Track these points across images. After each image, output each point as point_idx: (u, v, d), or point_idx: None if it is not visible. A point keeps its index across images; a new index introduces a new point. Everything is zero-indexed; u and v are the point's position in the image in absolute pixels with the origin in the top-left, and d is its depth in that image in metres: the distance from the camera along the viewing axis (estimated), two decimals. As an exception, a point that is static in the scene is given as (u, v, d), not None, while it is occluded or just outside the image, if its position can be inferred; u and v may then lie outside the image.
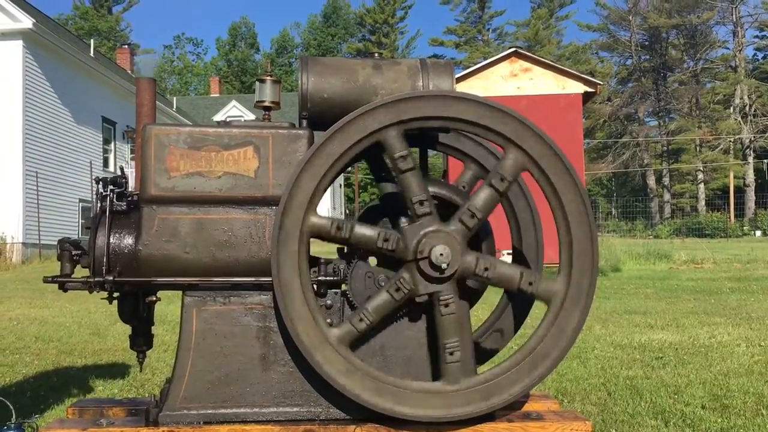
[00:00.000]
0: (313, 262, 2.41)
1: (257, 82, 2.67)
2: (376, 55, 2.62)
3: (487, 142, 2.78)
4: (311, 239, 2.31)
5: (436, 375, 2.37)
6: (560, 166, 2.27)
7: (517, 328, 2.87)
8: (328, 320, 2.35)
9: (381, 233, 2.27)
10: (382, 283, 2.38)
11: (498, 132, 2.26)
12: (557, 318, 2.30)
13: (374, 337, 2.41)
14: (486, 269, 2.27)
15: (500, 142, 2.29)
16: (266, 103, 2.61)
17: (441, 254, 2.22)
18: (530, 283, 2.29)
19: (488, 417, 2.34)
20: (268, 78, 2.63)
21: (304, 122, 2.51)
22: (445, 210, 2.36)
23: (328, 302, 2.43)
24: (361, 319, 2.27)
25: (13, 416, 2.71)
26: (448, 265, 2.23)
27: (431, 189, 2.44)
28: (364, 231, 2.29)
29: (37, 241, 19.67)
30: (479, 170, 2.82)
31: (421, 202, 2.26)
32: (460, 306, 2.30)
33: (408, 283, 2.27)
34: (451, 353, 2.27)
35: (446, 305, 2.27)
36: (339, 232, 2.26)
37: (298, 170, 2.23)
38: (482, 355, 2.85)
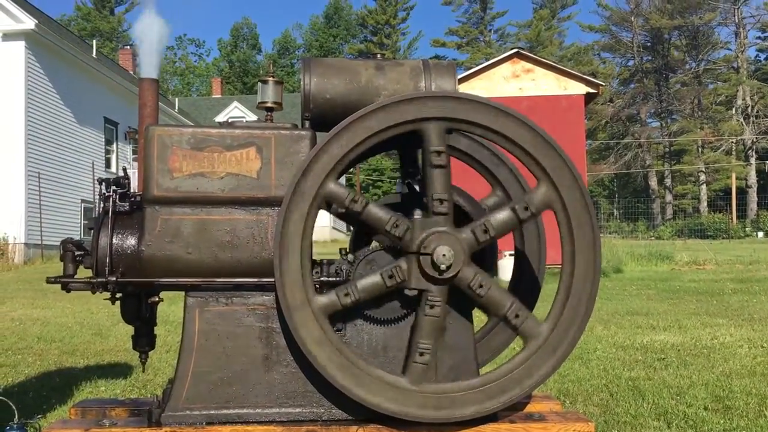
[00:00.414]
0: (316, 263, 2.41)
1: (259, 83, 2.67)
2: (379, 56, 2.62)
3: (518, 171, 2.79)
4: (313, 239, 2.32)
5: (438, 376, 2.38)
6: (586, 218, 2.27)
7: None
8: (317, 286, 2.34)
9: (393, 218, 2.27)
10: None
11: (538, 162, 2.26)
12: (528, 360, 2.30)
13: (377, 337, 2.41)
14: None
15: (536, 172, 2.28)
16: (268, 104, 2.62)
17: (444, 255, 2.22)
18: (516, 316, 2.29)
19: (490, 418, 2.34)
20: (271, 79, 2.63)
21: (307, 123, 2.52)
22: (459, 218, 2.37)
23: (330, 303, 2.42)
24: (347, 294, 2.26)
25: (16, 416, 2.72)
26: (448, 267, 2.23)
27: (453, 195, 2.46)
28: (377, 211, 2.28)
29: (39, 242, 19.68)
30: (504, 198, 2.82)
31: (441, 201, 2.26)
32: (443, 312, 2.29)
33: (403, 273, 2.27)
34: (421, 354, 2.27)
35: (431, 306, 2.27)
36: (353, 204, 2.26)
37: (332, 135, 2.24)
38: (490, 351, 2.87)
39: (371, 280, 2.28)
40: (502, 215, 2.28)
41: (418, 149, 2.64)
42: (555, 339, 2.29)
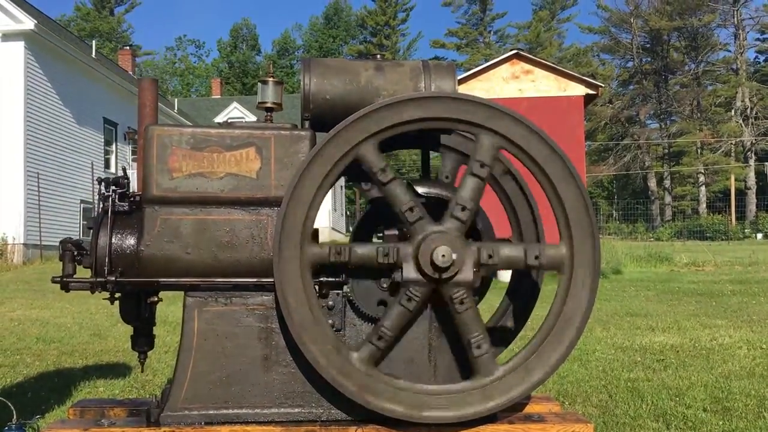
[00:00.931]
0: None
1: (259, 84, 2.67)
2: (378, 56, 2.62)
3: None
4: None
5: (437, 377, 2.38)
6: (534, 137, 2.27)
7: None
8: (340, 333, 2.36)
9: (380, 249, 2.27)
10: (384, 285, 2.39)
11: (466, 121, 2.27)
12: (571, 282, 2.30)
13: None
14: (490, 256, 2.28)
15: (471, 130, 2.30)
16: (268, 104, 2.61)
17: (443, 255, 2.22)
18: (536, 257, 2.30)
19: (490, 419, 2.34)
20: (271, 79, 2.63)
21: (307, 123, 2.52)
22: (436, 206, 2.37)
23: (330, 303, 2.43)
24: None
25: (14, 417, 2.71)
26: (442, 269, 2.23)
27: (420, 189, 2.48)
28: (362, 251, 2.29)
29: (38, 242, 19.68)
30: (457, 155, 2.82)
31: (411, 209, 2.26)
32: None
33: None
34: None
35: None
36: (338, 257, 2.27)
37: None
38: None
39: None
40: (468, 185, 2.28)
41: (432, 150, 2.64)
42: (579, 253, 2.29)
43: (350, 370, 2.26)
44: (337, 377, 2.26)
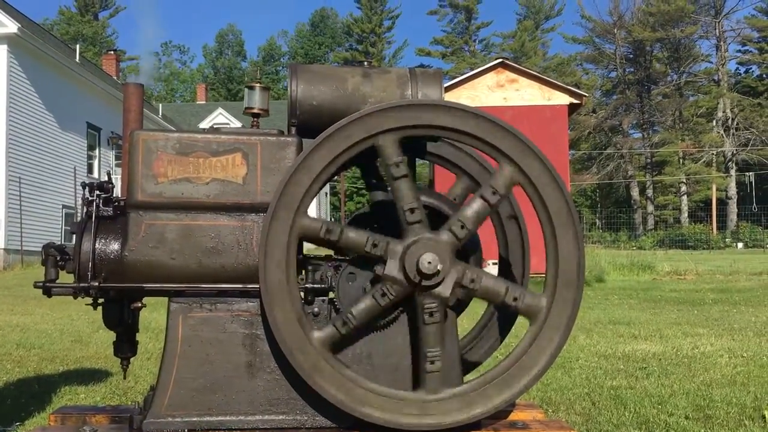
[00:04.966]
0: (301, 267, 2.40)
1: (246, 89, 2.66)
2: (366, 63, 2.63)
3: (480, 157, 2.80)
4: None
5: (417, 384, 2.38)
6: (554, 185, 2.28)
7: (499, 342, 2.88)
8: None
9: (370, 238, 2.27)
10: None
11: (494, 146, 2.28)
12: (538, 336, 2.31)
13: (361, 345, 2.40)
14: (473, 281, 2.28)
15: (495, 156, 2.30)
16: (255, 110, 2.61)
17: (429, 262, 2.22)
18: (515, 299, 2.30)
19: (474, 426, 2.34)
20: (257, 85, 2.63)
21: (293, 129, 2.51)
22: (435, 219, 2.37)
23: (316, 310, 2.42)
24: (344, 323, 2.28)
25: (-6, 423, 2.68)
26: (436, 273, 2.23)
27: (422, 198, 2.46)
28: (353, 235, 2.29)
29: (20, 248, 19.47)
30: (471, 184, 2.83)
31: (412, 210, 2.26)
32: (443, 315, 2.30)
33: (394, 289, 2.26)
34: (432, 362, 2.28)
35: (431, 314, 2.27)
36: (329, 235, 2.26)
37: (294, 167, 2.24)
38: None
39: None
40: (474, 206, 2.29)
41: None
42: (557, 308, 2.30)
43: (307, 348, 2.26)
44: (294, 352, 2.26)
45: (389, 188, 2.31)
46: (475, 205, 2.29)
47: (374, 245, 2.27)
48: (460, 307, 2.67)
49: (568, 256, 2.29)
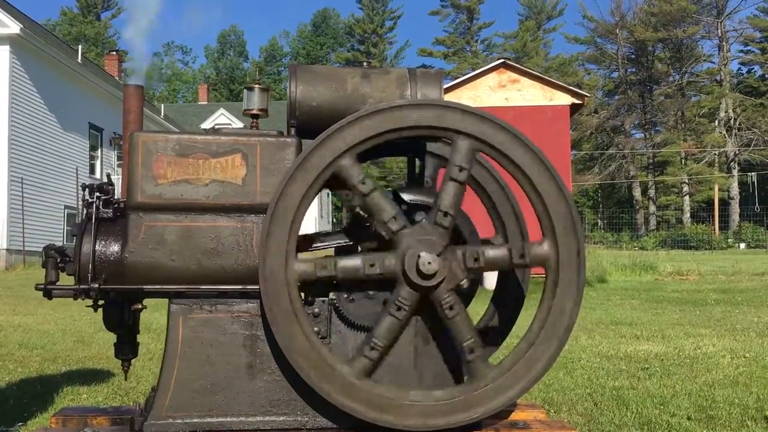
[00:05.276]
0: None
1: (245, 90, 2.66)
2: (365, 64, 2.63)
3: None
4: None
5: (421, 383, 2.37)
6: (509, 137, 2.28)
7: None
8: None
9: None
10: (371, 292, 2.39)
11: (441, 128, 2.28)
12: (558, 278, 2.30)
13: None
14: (476, 259, 2.29)
15: (446, 135, 2.30)
16: (254, 111, 2.61)
17: (429, 263, 2.23)
18: (521, 255, 2.31)
19: (474, 426, 2.34)
20: (256, 86, 2.63)
21: (293, 130, 2.51)
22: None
23: (316, 310, 2.42)
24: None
25: (-5, 425, 2.68)
26: (429, 276, 2.24)
27: (407, 197, 2.48)
28: (348, 263, 2.29)
29: (21, 248, 19.49)
30: (439, 161, 2.82)
31: (445, 214, 2.27)
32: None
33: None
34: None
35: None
36: (324, 271, 2.27)
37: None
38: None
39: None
40: (448, 190, 2.29)
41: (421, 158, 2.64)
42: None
43: (354, 389, 2.26)
44: (344, 400, 2.26)
45: (359, 208, 2.31)
46: (448, 190, 2.29)
47: (371, 266, 2.27)
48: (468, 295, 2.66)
49: (553, 198, 2.29)
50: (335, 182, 2.31)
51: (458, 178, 2.28)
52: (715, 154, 48.98)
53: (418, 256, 2.23)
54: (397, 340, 2.34)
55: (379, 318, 2.31)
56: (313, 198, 2.28)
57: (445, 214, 2.28)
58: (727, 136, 49.16)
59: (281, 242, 2.23)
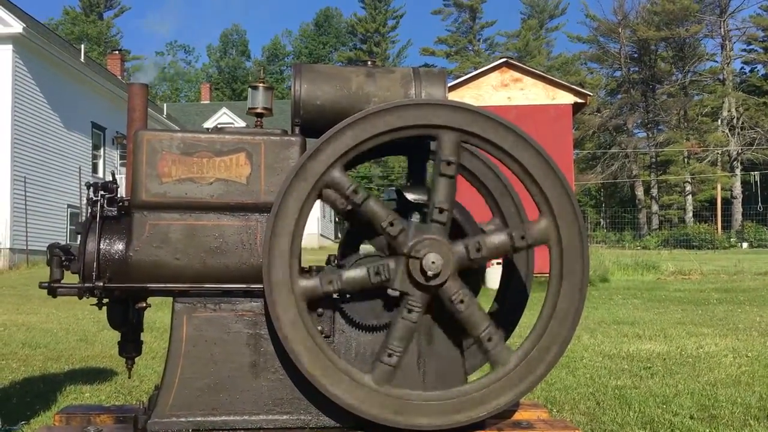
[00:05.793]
0: (304, 270, 2.40)
1: (250, 89, 2.67)
2: (370, 63, 2.63)
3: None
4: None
5: (425, 383, 2.38)
6: (492, 124, 2.28)
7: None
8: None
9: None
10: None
11: (425, 125, 2.28)
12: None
13: (365, 344, 2.40)
14: (478, 249, 2.29)
15: (431, 132, 2.31)
16: (258, 110, 2.62)
17: (433, 262, 2.23)
18: (522, 237, 2.31)
19: (478, 425, 2.34)
20: (261, 84, 2.64)
21: (297, 129, 2.51)
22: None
23: (320, 310, 2.42)
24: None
25: None
26: (435, 275, 2.24)
27: (411, 197, 2.48)
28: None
29: (25, 247, 19.52)
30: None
31: (441, 210, 2.28)
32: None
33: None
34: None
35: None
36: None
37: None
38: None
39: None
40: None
41: (424, 157, 2.66)
42: (563, 223, 2.30)
43: (376, 400, 2.26)
44: (368, 409, 2.26)
45: (360, 212, 2.31)
46: (440, 186, 2.29)
47: (377, 273, 2.28)
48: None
49: (541, 173, 2.29)
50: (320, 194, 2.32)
51: (447, 172, 2.29)
52: (717, 153, 48.88)
53: (422, 257, 2.23)
54: (411, 340, 2.34)
55: (392, 323, 2.31)
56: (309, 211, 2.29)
57: (441, 210, 2.28)
58: (729, 135, 49.06)
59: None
